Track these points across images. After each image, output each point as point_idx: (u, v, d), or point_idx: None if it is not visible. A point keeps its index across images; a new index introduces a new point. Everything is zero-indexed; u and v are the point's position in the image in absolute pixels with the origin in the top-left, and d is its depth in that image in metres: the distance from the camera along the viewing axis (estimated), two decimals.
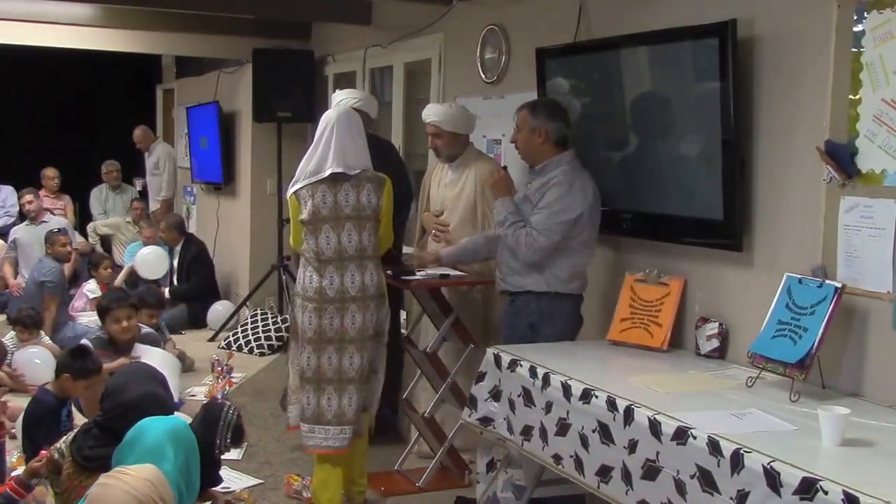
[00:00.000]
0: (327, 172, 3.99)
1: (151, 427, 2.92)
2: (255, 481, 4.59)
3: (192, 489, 2.95)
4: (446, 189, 4.81)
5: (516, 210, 4.00)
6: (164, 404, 3.40)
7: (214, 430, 3.41)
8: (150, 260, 8.07)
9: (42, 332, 6.28)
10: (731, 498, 2.55)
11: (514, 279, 4.03)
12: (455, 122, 4.70)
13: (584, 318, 4.13)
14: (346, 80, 7.30)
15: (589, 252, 4.04)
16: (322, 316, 3.99)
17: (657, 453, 2.84)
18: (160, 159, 9.51)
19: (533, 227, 3.89)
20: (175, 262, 8.29)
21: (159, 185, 9.57)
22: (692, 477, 2.70)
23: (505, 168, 4.27)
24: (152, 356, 5.25)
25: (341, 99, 4.88)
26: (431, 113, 4.74)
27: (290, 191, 4.08)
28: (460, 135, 4.74)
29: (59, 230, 7.56)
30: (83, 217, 9.99)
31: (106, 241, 9.46)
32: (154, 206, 9.58)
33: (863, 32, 3.10)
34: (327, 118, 4.13)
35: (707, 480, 2.64)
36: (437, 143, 4.75)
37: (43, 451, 3.48)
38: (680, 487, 2.75)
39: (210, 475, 3.41)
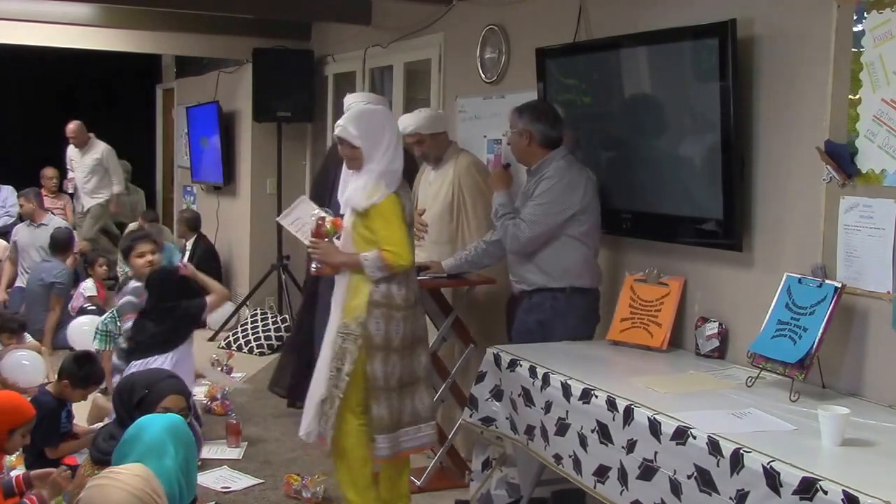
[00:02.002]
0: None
1: (151, 424, 2.93)
2: (254, 481, 4.59)
3: (191, 485, 2.96)
4: (429, 187, 4.87)
5: (508, 202, 4.06)
6: (175, 379, 3.54)
7: None
8: (86, 331, 6.55)
9: (26, 334, 6.27)
10: (731, 498, 2.55)
11: (528, 277, 4.05)
12: (431, 124, 4.79)
13: None
14: (345, 80, 7.31)
15: (592, 244, 4.05)
16: (413, 322, 3.83)
17: (655, 453, 2.84)
18: (103, 157, 9.17)
19: (520, 219, 3.95)
20: (185, 259, 8.29)
21: (96, 184, 9.18)
22: (689, 477, 2.70)
23: (507, 165, 4.32)
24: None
25: (351, 102, 4.86)
26: (409, 124, 4.74)
27: (388, 191, 3.71)
28: (440, 133, 4.83)
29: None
30: None
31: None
32: (88, 203, 9.18)
33: (862, 32, 3.10)
34: (390, 116, 4.10)
35: (706, 480, 2.64)
36: (423, 149, 4.82)
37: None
38: (675, 488, 2.75)
39: None
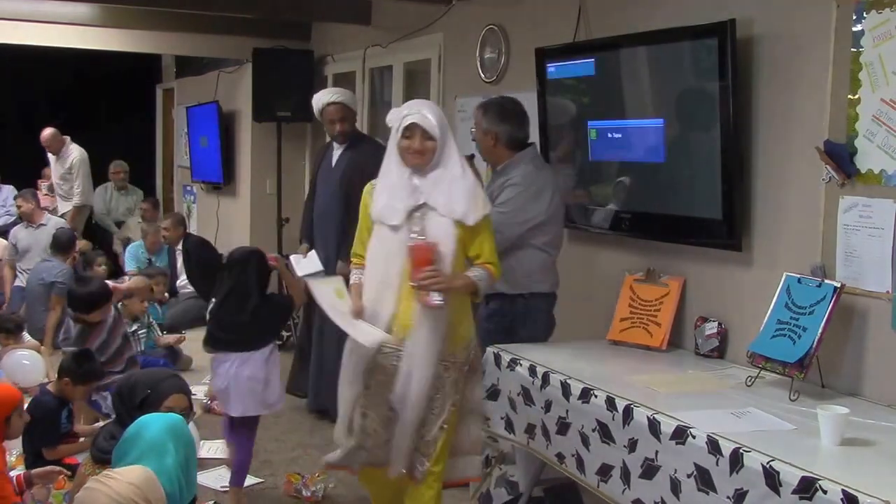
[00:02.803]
0: None
1: (151, 423, 2.93)
2: (254, 480, 4.58)
3: (192, 483, 2.96)
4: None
5: None
6: (177, 378, 3.52)
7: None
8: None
9: (25, 334, 6.28)
10: (728, 497, 2.55)
11: None
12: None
13: (584, 318, 4.13)
14: (345, 80, 7.30)
15: (555, 251, 3.98)
16: None
17: (656, 452, 2.85)
18: (74, 164, 9.09)
19: None
20: (179, 262, 8.29)
21: (70, 189, 9.14)
22: (689, 476, 2.70)
23: (472, 157, 4.01)
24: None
25: (319, 99, 5.28)
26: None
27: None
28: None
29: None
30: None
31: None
32: (63, 207, 9.14)
33: (862, 32, 3.11)
34: None
35: (704, 479, 2.64)
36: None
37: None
38: (675, 486, 2.75)
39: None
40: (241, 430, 4.09)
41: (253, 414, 4.04)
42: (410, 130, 3.23)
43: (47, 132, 9.10)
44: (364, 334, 3.28)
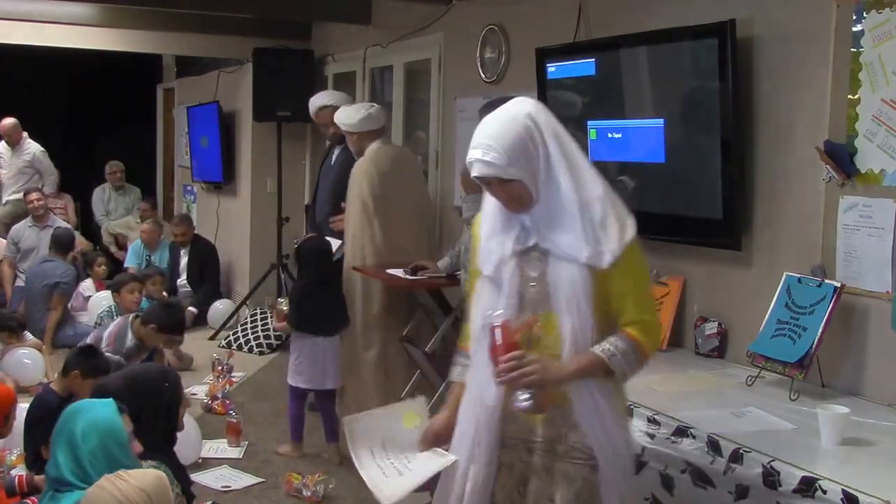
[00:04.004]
0: None
1: (81, 412, 2.77)
2: (255, 480, 4.59)
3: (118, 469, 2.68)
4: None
5: None
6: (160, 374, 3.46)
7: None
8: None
9: (26, 333, 6.28)
10: (730, 492, 2.56)
11: None
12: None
13: None
14: (346, 80, 7.31)
15: None
16: None
17: (643, 449, 2.85)
18: (34, 159, 9.03)
19: None
20: (184, 261, 8.30)
21: (21, 183, 8.93)
22: (683, 472, 2.71)
23: None
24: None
25: (312, 102, 5.57)
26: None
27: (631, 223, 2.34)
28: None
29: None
30: (84, 216, 10.00)
31: (121, 241, 9.47)
32: (6, 197, 9.00)
33: (862, 32, 3.11)
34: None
35: (702, 478, 2.65)
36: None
37: None
38: (667, 482, 2.76)
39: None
40: (326, 401, 4.85)
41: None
42: (481, 181, 2.28)
43: (8, 121, 8.91)
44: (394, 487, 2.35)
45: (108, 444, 2.64)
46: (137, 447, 2.79)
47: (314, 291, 4.72)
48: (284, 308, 4.86)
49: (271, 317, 7.22)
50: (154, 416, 3.19)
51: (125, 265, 8.51)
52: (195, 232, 8.62)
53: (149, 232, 8.52)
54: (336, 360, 4.76)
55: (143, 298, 6.58)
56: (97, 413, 2.70)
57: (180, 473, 3.24)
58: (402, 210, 5.05)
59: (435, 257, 4.70)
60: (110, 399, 2.80)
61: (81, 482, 2.56)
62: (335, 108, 5.38)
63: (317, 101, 5.64)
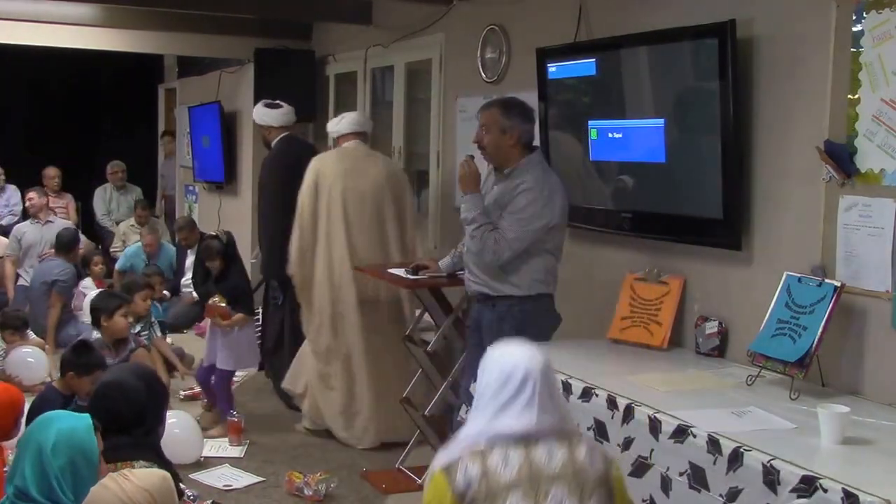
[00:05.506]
0: None
1: (54, 424, 2.64)
2: (256, 479, 4.60)
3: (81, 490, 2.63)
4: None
5: (485, 211, 3.82)
6: (136, 392, 3.12)
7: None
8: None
9: (29, 331, 6.30)
10: (721, 495, 2.56)
11: (493, 284, 3.88)
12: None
13: (585, 317, 4.13)
14: (347, 80, 7.32)
15: (560, 254, 3.97)
16: None
17: (651, 451, 2.85)
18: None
19: (502, 234, 3.76)
20: (190, 260, 8.29)
21: None
22: (682, 474, 2.71)
23: (471, 157, 3.96)
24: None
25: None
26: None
27: None
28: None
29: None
30: (85, 216, 10.01)
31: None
32: None
33: (861, 32, 3.11)
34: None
35: (699, 478, 2.65)
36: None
37: None
38: (665, 484, 2.76)
39: None
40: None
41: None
42: None
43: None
44: None
45: (78, 463, 2.50)
46: (104, 469, 2.64)
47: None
48: (223, 304, 5.26)
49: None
50: (136, 417, 3.07)
51: (117, 267, 8.43)
52: (200, 231, 8.60)
53: (151, 244, 8.50)
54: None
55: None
56: (71, 428, 2.56)
57: (171, 472, 3.22)
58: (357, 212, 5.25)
59: (436, 257, 4.70)
60: (87, 415, 2.66)
61: (46, 499, 2.43)
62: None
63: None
